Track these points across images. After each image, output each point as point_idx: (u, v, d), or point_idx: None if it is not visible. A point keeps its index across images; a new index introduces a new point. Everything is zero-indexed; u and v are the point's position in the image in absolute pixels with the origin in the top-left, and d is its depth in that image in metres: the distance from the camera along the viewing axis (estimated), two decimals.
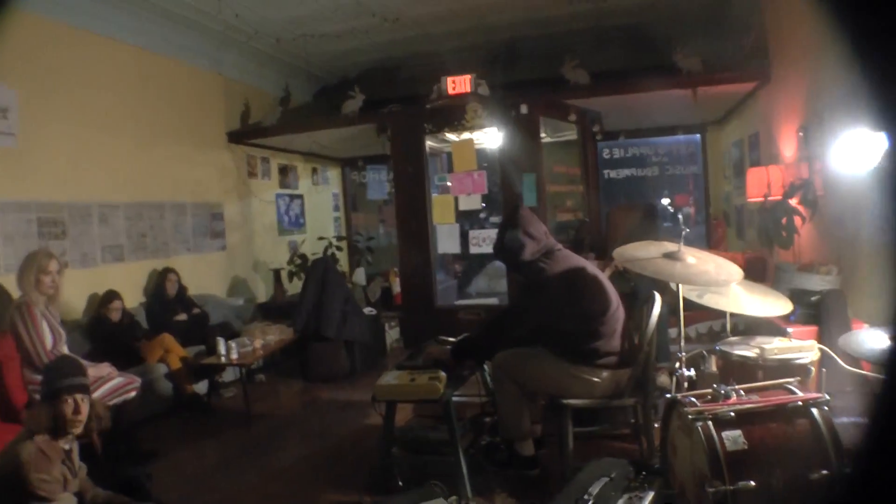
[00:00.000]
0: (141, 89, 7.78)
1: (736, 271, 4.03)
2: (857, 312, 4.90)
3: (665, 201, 12.88)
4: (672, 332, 6.52)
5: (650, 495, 2.81)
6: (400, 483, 4.25)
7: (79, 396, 3.31)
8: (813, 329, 4.87)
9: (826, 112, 5.74)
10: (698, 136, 11.19)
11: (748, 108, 8.73)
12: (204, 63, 8.88)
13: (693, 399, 3.31)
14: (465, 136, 8.50)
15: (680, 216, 13.93)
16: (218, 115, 9.27)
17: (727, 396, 3.26)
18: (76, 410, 3.30)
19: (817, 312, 4.93)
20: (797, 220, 6.06)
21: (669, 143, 11.49)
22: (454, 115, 8.19)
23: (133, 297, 7.34)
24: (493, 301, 9.37)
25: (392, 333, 9.13)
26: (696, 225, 12.56)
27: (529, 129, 8.29)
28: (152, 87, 7.96)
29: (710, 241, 10.28)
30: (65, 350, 5.09)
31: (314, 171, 11.92)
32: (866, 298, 5.02)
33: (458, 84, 8.01)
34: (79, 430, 3.40)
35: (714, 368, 5.16)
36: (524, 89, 8.62)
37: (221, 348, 6.64)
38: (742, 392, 3.31)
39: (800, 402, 3.17)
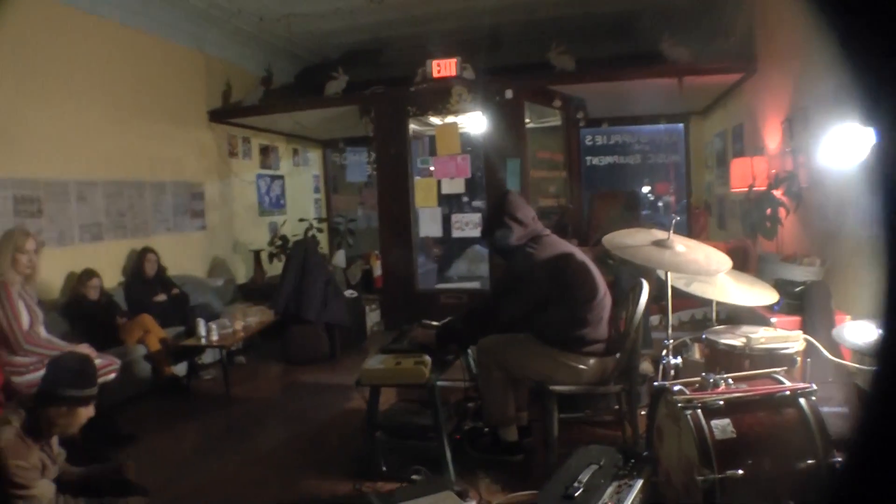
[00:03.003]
0: (121, 66, 7.64)
1: (725, 261, 4.03)
2: (840, 304, 4.92)
3: (645, 189, 12.95)
4: (653, 319, 6.57)
5: (639, 483, 2.80)
6: (384, 468, 4.24)
7: (81, 409, 3.23)
8: (797, 319, 4.90)
9: (812, 105, 5.77)
10: (681, 125, 11.22)
11: (733, 99, 8.75)
12: (185, 40, 8.75)
13: (682, 387, 3.31)
14: (450, 119, 8.47)
15: (660, 204, 14.05)
16: (199, 93, 9.16)
17: (716, 385, 3.26)
18: (73, 422, 3.23)
19: (801, 303, 4.94)
20: (781, 211, 6.09)
21: (652, 131, 11.53)
22: (439, 98, 8.15)
23: (111, 277, 7.24)
24: (474, 285, 9.35)
25: (373, 316, 9.09)
26: (675, 213, 12.59)
27: (514, 114, 8.25)
28: (132, 63, 7.83)
29: (692, 231, 10.31)
30: (42, 330, 5.01)
31: (295, 152, 11.83)
32: (849, 290, 5.06)
33: (444, 67, 7.97)
34: (65, 436, 3.35)
35: (697, 356, 5.19)
36: (509, 74, 8.59)
37: (201, 330, 6.58)
38: (731, 381, 3.31)
39: (787, 392, 3.19)
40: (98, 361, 5.05)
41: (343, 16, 8.92)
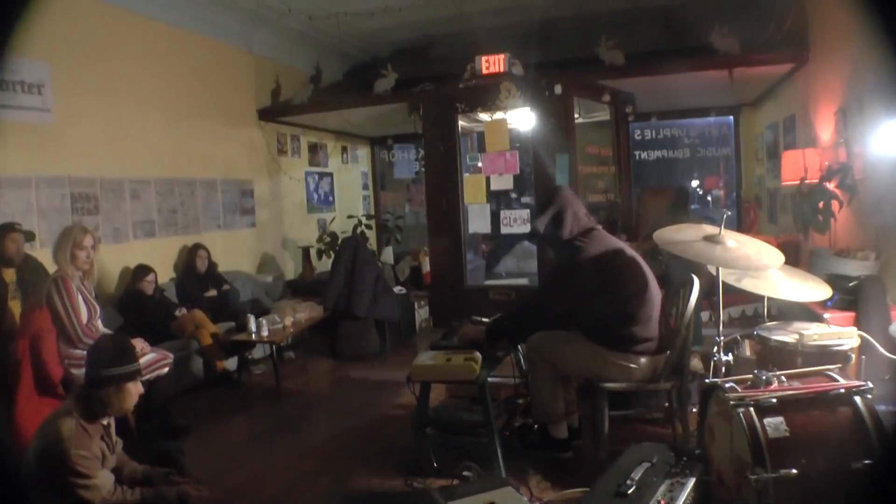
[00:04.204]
0: (172, 66, 7.80)
1: (777, 256, 3.97)
2: None
3: (694, 183, 12.80)
4: (703, 315, 6.50)
5: (691, 481, 2.78)
6: (435, 464, 4.26)
7: (129, 385, 3.30)
8: (850, 315, 4.80)
9: (867, 95, 5.64)
10: (731, 118, 11.06)
11: (784, 90, 8.61)
12: (235, 40, 8.88)
13: (733, 385, 3.27)
14: (498, 115, 8.44)
15: (709, 199, 13.88)
16: (249, 92, 9.28)
17: (768, 382, 3.21)
18: (125, 399, 3.29)
19: (855, 298, 4.85)
20: (834, 204, 5.97)
21: (701, 125, 11.40)
22: (488, 94, 8.13)
23: (163, 273, 7.37)
24: (523, 281, 9.35)
25: (421, 312, 9.14)
26: (725, 208, 12.44)
27: (563, 109, 8.20)
28: (184, 64, 7.98)
29: (742, 225, 10.18)
30: (99, 324, 5.14)
31: (344, 149, 11.91)
32: None
33: (492, 63, 7.94)
34: (122, 414, 3.42)
35: (748, 353, 5.12)
36: (558, 69, 8.54)
37: (252, 325, 6.67)
38: (783, 378, 3.26)
39: (842, 390, 3.11)
40: (152, 356, 5.21)
41: (392, 13, 8.95)
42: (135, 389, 3.33)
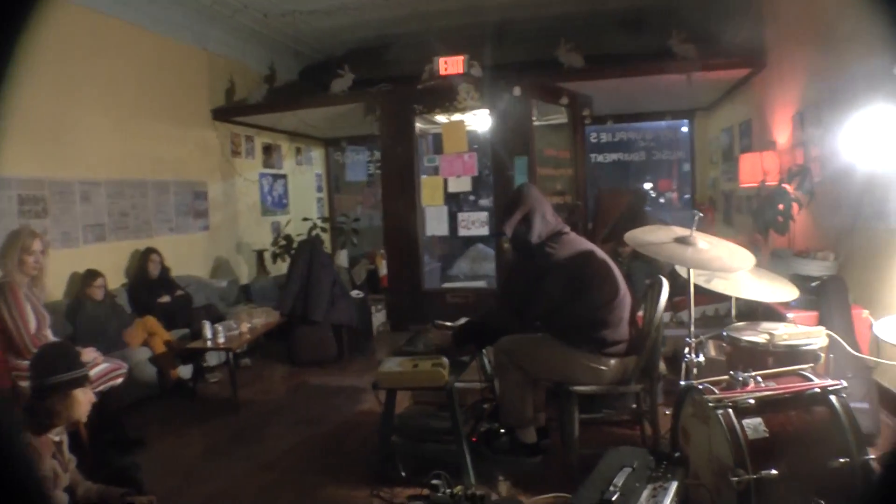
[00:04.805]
0: (124, 63, 7.55)
1: (748, 257, 3.96)
2: (856, 298, 4.85)
3: (648, 186, 12.89)
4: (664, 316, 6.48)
5: (674, 485, 2.72)
6: (402, 473, 4.16)
7: (77, 392, 3.14)
8: (813, 315, 4.81)
9: (824, 98, 5.72)
10: (685, 121, 11.16)
11: (740, 94, 8.70)
12: (188, 37, 8.66)
13: (709, 386, 3.24)
14: (457, 117, 8.38)
15: (662, 201, 13.99)
16: (202, 91, 9.07)
17: (745, 383, 3.20)
18: (74, 407, 3.13)
19: (817, 298, 4.87)
20: (794, 206, 6.03)
21: (655, 128, 11.47)
22: (446, 96, 8.08)
23: (114, 279, 7.13)
24: (480, 284, 9.29)
25: (378, 317, 9.01)
26: (678, 209, 12.56)
27: (522, 111, 8.18)
28: (135, 61, 7.74)
29: (698, 227, 10.24)
30: (49, 333, 4.92)
31: (298, 150, 11.75)
32: (864, 284, 5.00)
33: (451, 65, 7.88)
34: (73, 423, 3.26)
35: (713, 353, 5.12)
36: (515, 71, 8.51)
37: (207, 332, 6.46)
38: (759, 379, 3.24)
39: (818, 390, 3.13)
40: (105, 366, 5.00)
41: (349, 12, 8.85)
42: (83, 397, 3.17)
